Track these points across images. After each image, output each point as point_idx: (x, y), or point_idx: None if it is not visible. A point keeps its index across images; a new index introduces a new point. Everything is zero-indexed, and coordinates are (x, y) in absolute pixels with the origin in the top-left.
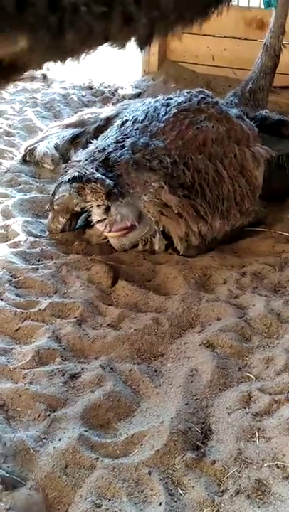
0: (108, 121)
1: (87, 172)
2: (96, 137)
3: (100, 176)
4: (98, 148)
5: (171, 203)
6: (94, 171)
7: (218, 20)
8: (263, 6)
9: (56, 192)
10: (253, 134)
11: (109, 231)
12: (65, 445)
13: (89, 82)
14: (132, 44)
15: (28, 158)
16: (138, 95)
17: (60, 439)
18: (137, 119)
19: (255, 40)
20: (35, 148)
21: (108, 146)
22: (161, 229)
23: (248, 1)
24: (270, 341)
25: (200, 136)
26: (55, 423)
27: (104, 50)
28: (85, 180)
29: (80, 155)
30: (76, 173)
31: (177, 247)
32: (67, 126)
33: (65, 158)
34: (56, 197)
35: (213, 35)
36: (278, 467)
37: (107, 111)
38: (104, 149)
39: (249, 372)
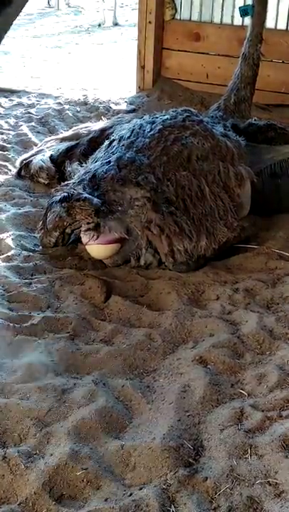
0: (102, 133)
1: (75, 192)
2: (91, 148)
3: (88, 195)
4: (86, 170)
5: (153, 221)
6: (81, 192)
7: (212, 39)
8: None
9: (47, 213)
10: (238, 152)
11: (96, 239)
12: (57, 460)
13: (84, 98)
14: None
15: (24, 172)
16: (132, 111)
17: (51, 455)
18: (123, 136)
19: None
20: (31, 161)
21: (95, 166)
22: (148, 244)
23: (242, 20)
24: (262, 358)
25: (185, 152)
26: (46, 438)
27: (100, 66)
28: (73, 199)
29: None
30: (65, 194)
31: (166, 263)
32: (62, 140)
33: (60, 170)
34: (48, 218)
35: (208, 53)
36: (270, 484)
37: (102, 123)
38: (91, 169)
39: (241, 389)
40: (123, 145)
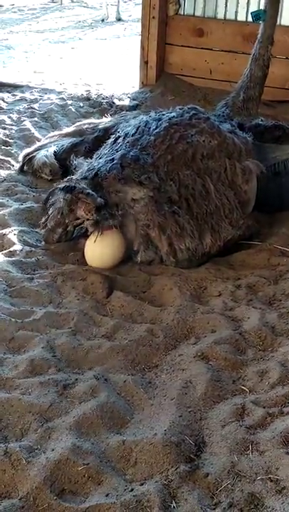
0: (107, 132)
1: (80, 185)
2: (95, 147)
3: (91, 191)
4: (90, 167)
5: (154, 221)
6: (85, 187)
7: (216, 34)
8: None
9: (49, 200)
10: (245, 148)
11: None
12: (58, 455)
13: (87, 93)
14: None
15: (26, 167)
16: (135, 107)
17: (53, 450)
18: (128, 133)
19: None
20: (34, 157)
21: (99, 163)
22: (148, 242)
23: (246, 16)
24: (264, 354)
25: (189, 150)
26: (48, 433)
27: (103, 61)
28: (77, 191)
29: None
30: (70, 184)
31: (166, 262)
32: (66, 135)
33: (64, 166)
34: (50, 214)
35: (211, 49)
36: (271, 481)
37: (106, 121)
38: (94, 167)
39: (243, 385)
40: (128, 142)
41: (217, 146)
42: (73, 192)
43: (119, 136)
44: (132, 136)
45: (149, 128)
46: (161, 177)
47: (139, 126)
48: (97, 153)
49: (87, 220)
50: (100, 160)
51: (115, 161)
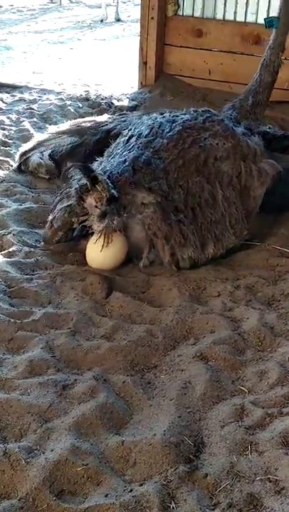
0: (108, 134)
1: (100, 172)
2: (96, 150)
3: (109, 182)
4: (102, 169)
5: (160, 230)
6: (102, 173)
7: (215, 35)
8: (260, 21)
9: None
10: (260, 150)
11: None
12: (58, 456)
13: (86, 94)
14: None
15: (23, 167)
16: (134, 108)
17: (52, 450)
18: (141, 134)
19: (252, 55)
20: (29, 157)
21: (112, 164)
22: (151, 247)
23: (245, 16)
24: (263, 355)
25: (202, 155)
26: (47, 434)
27: (102, 62)
28: (96, 173)
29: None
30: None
31: (167, 267)
32: (64, 132)
33: (62, 167)
34: (56, 214)
35: (210, 50)
36: (270, 481)
37: (107, 121)
38: (107, 170)
39: (242, 386)
40: (141, 143)
41: (231, 148)
42: (92, 173)
43: (132, 135)
44: (145, 137)
45: (163, 130)
46: (170, 184)
47: (153, 127)
48: (109, 150)
49: (96, 207)
50: (113, 160)
51: (127, 164)
